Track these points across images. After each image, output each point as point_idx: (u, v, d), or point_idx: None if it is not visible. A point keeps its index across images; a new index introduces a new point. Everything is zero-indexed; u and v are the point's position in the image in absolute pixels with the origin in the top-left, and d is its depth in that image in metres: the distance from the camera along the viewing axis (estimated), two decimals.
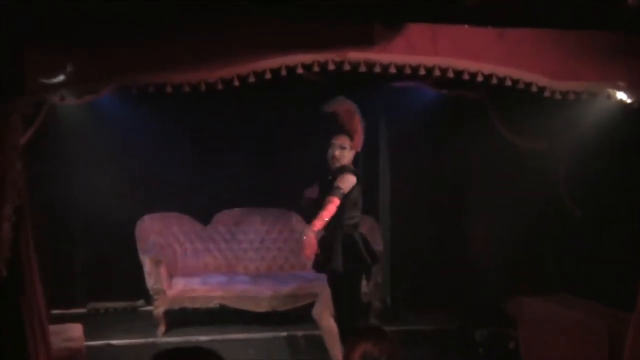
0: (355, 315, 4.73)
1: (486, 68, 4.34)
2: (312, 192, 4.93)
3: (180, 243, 7.43)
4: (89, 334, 5.41)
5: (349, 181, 4.92)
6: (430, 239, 7.61)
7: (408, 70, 4.11)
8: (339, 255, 4.68)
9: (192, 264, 7.39)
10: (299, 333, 6.46)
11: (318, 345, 5.39)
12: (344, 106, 4.93)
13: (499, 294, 6.71)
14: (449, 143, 7.42)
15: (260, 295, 6.81)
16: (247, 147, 7.61)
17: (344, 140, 4.91)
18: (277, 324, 6.74)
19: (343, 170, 4.93)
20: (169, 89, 5.26)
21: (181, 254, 7.40)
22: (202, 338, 6.41)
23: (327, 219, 4.64)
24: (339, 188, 4.80)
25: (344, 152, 4.91)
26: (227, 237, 7.60)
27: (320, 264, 4.78)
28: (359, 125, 4.96)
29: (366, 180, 7.49)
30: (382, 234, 7.40)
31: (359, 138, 4.95)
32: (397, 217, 7.66)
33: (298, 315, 6.56)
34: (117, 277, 7.34)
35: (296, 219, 7.53)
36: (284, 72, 5.44)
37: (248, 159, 7.60)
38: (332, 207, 4.70)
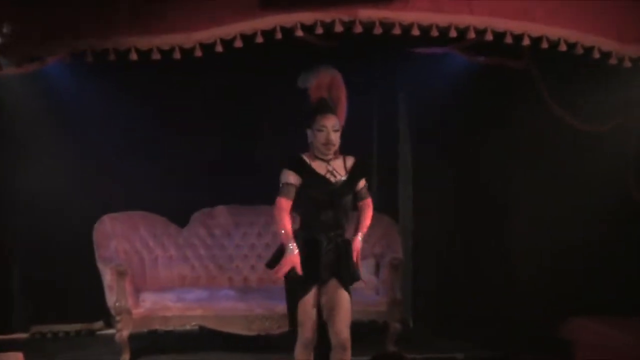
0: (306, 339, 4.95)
1: (534, 29, 4.33)
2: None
3: (150, 249, 7.36)
4: None
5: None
6: (462, 247, 7.59)
7: (435, 33, 4.09)
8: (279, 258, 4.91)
9: (165, 276, 7.33)
10: None
11: None
12: (328, 77, 4.99)
13: (548, 315, 6.73)
14: (485, 126, 7.41)
15: (250, 314, 6.78)
16: (230, 130, 7.63)
17: (334, 120, 4.98)
18: (270, 351, 6.68)
19: (365, 166, 5.17)
20: (133, 57, 5.31)
21: (151, 263, 7.33)
22: None
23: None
24: (365, 187, 5.09)
25: (338, 134, 4.99)
26: (208, 241, 7.54)
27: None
28: (345, 98, 5.04)
29: (381, 174, 7.77)
30: (401, 240, 7.40)
31: (344, 112, 5.04)
32: (420, 219, 7.67)
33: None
34: (69, 294, 7.29)
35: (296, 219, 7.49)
36: (279, 36, 5.46)
37: (232, 145, 7.62)
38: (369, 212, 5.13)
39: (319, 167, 4.96)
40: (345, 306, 4.95)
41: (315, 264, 4.88)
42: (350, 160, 5.05)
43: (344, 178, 4.96)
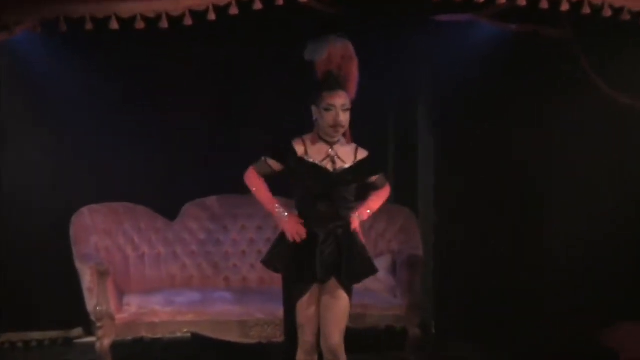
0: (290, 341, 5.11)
1: None
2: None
3: (135, 246, 7.38)
4: None
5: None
6: (491, 243, 7.56)
7: None
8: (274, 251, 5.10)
9: (152, 276, 7.36)
10: None
11: None
12: (339, 49, 5.00)
13: (589, 321, 6.72)
14: (517, 105, 7.40)
15: (248, 319, 6.80)
16: (226, 110, 7.66)
17: (344, 97, 4.98)
18: None
19: (375, 165, 5.21)
20: (114, 25, 5.26)
21: (136, 262, 7.35)
22: None
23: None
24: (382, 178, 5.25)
25: (348, 114, 4.99)
26: (201, 236, 7.57)
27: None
28: (356, 72, 5.06)
29: (399, 161, 7.90)
30: (421, 235, 7.43)
31: (354, 87, 5.06)
32: (443, 211, 7.69)
33: None
34: (43, 297, 7.28)
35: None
36: (279, 1, 5.39)
37: (228, 127, 7.65)
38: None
39: (317, 151, 4.98)
40: (339, 306, 4.98)
41: (311, 260, 4.91)
42: (362, 153, 5.10)
43: (347, 166, 4.99)
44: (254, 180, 5.08)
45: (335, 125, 4.92)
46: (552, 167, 7.41)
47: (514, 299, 7.39)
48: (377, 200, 5.23)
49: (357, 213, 5.09)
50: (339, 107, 4.91)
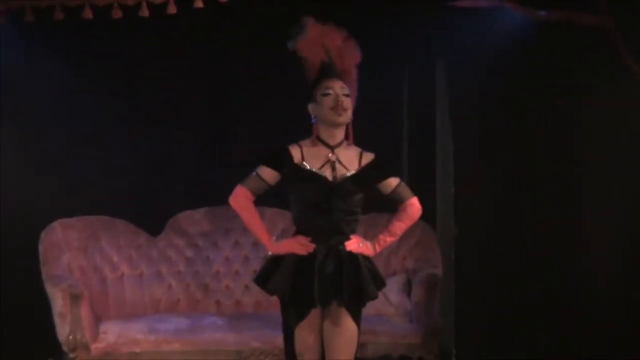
0: None
1: None
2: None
3: (113, 266, 7.40)
4: None
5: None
6: (520, 259, 7.52)
7: None
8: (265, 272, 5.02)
9: (133, 299, 7.39)
10: None
11: None
12: (328, 34, 4.98)
13: (636, 348, 6.72)
14: (548, 101, 7.38)
15: (243, 348, 6.80)
16: (215, 114, 7.73)
17: (342, 83, 4.98)
18: None
19: (385, 166, 5.12)
20: (87, 15, 5.23)
21: (115, 284, 7.37)
22: None
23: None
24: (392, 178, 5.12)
25: (349, 100, 4.97)
26: (188, 254, 7.61)
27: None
28: (355, 69, 5.04)
29: (414, 168, 7.87)
30: (440, 251, 7.46)
31: (354, 88, 5.03)
32: (465, 224, 7.68)
33: None
34: (9, 324, 7.28)
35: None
36: None
37: (217, 132, 7.71)
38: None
39: (315, 157, 4.95)
40: (344, 334, 4.95)
41: (308, 280, 4.88)
42: (367, 157, 5.05)
43: (350, 173, 4.95)
44: (242, 202, 4.99)
45: (336, 106, 4.88)
46: (589, 172, 7.41)
47: (547, 323, 7.38)
48: (407, 220, 5.13)
49: (382, 238, 5.05)
50: (338, 89, 4.90)
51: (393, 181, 5.08)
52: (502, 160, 7.57)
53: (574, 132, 7.39)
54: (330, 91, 4.90)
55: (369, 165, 5.02)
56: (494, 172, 7.59)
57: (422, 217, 7.22)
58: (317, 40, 4.93)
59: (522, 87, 7.39)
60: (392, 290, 7.19)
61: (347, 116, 4.91)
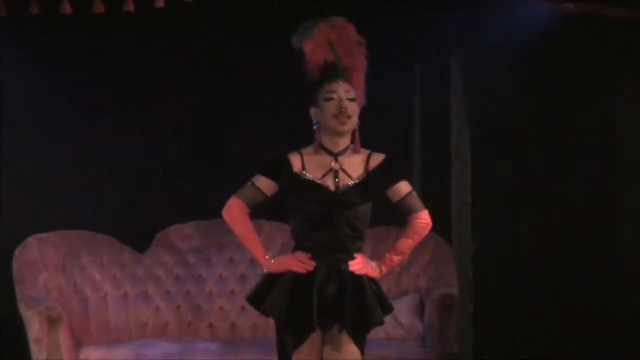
0: None
1: None
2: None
3: (95, 285, 7.39)
4: None
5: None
6: (545, 276, 7.56)
7: None
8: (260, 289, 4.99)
9: (117, 323, 7.38)
10: None
11: None
12: (334, 30, 4.94)
13: None
14: (574, 102, 7.40)
15: None
16: (209, 115, 7.76)
17: (347, 86, 4.92)
18: None
19: (396, 168, 5.03)
20: (66, 10, 5.18)
21: (96, 305, 7.36)
22: None
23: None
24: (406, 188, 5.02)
25: (354, 105, 4.90)
26: (178, 272, 7.61)
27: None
28: (363, 66, 4.98)
29: (427, 175, 7.88)
30: (456, 267, 7.46)
31: (361, 87, 4.97)
32: (483, 237, 7.67)
33: None
34: None
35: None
36: None
37: (209, 137, 7.74)
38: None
39: (317, 166, 4.90)
40: None
41: (307, 302, 4.82)
42: (377, 159, 4.96)
43: (352, 182, 4.88)
44: (236, 214, 4.95)
45: (340, 114, 4.81)
46: (621, 175, 7.46)
47: (576, 347, 7.38)
48: (408, 242, 5.01)
49: (380, 264, 4.95)
50: (342, 93, 4.83)
51: (404, 187, 4.96)
52: (525, 167, 7.61)
53: (604, 133, 7.42)
54: (334, 95, 4.84)
55: (377, 168, 4.94)
56: (516, 180, 7.63)
57: (437, 231, 7.31)
58: (325, 40, 4.90)
59: (546, 86, 7.44)
60: (403, 311, 7.17)
61: (351, 124, 4.85)
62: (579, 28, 6.79)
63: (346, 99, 4.82)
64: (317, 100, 4.87)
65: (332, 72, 4.88)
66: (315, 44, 4.89)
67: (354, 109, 4.83)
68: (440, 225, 7.40)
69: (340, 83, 4.86)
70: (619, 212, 7.44)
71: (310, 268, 4.81)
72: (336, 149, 4.88)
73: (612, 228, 7.52)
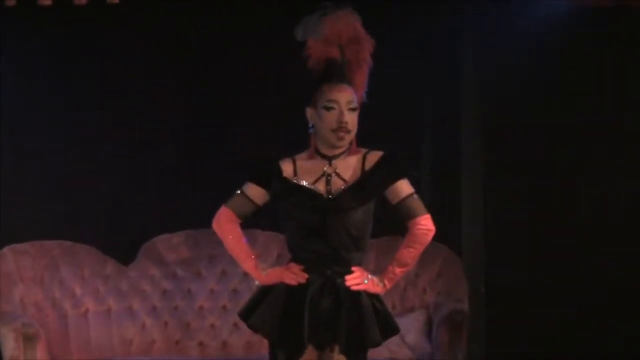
0: None
1: None
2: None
3: (76, 300, 7.34)
4: None
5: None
6: (563, 291, 7.53)
7: None
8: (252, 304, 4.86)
9: (100, 341, 7.33)
10: None
11: None
12: (342, 25, 4.82)
13: None
14: (598, 101, 7.40)
15: None
16: (199, 117, 7.74)
17: (349, 93, 4.77)
18: None
19: (396, 165, 4.84)
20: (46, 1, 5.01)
21: (77, 322, 7.30)
22: None
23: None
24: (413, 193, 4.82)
25: (355, 115, 4.76)
26: (165, 286, 7.54)
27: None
28: (368, 60, 4.85)
29: (436, 181, 7.86)
30: (467, 282, 7.42)
31: (364, 82, 4.85)
32: (497, 249, 7.61)
33: None
34: None
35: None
36: None
37: (202, 139, 7.73)
38: None
39: (310, 171, 4.76)
40: None
41: (299, 317, 4.67)
42: (374, 157, 4.78)
43: (346, 185, 4.73)
44: (225, 225, 4.84)
45: (339, 129, 4.65)
46: None
47: None
48: (410, 251, 4.83)
49: (383, 279, 4.77)
50: (344, 103, 4.66)
51: (404, 187, 4.72)
52: (543, 172, 7.63)
53: (630, 137, 7.46)
54: (334, 105, 4.67)
55: (374, 167, 4.77)
56: (533, 187, 7.64)
57: (446, 242, 7.38)
58: (334, 37, 4.74)
59: (567, 85, 7.46)
60: (409, 329, 7.10)
61: (350, 137, 4.72)
62: (603, 21, 6.82)
63: (347, 109, 4.67)
64: (316, 103, 4.73)
65: (335, 72, 4.74)
66: (323, 41, 4.75)
67: (354, 122, 4.70)
68: (450, 235, 7.41)
69: (343, 89, 4.71)
70: None
71: (303, 280, 4.66)
72: (331, 153, 4.75)
73: (629, 235, 7.50)
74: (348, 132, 4.66)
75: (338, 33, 4.75)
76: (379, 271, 4.76)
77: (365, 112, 4.76)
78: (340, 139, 4.67)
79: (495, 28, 7.27)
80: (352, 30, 4.76)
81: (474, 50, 7.61)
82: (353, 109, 4.68)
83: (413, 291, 7.44)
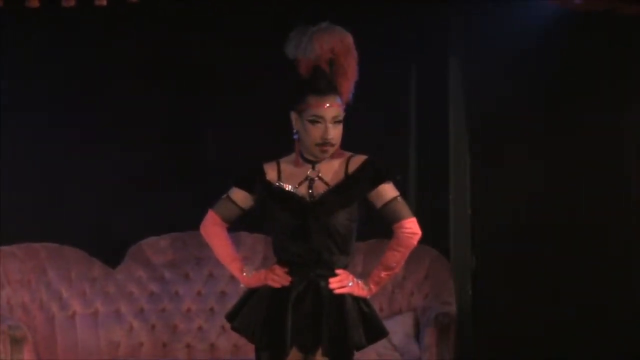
0: None
1: None
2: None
3: (63, 302, 7.37)
4: None
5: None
6: (551, 294, 7.53)
7: None
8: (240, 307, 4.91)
9: (87, 343, 7.36)
10: None
11: None
12: (333, 40, 4.83)
13: None
14: (586, 105, 7.44)
15: None
16: (186, 119, 7.79)
17: (337, 106, 4.80)
18: None
19: (379, 170, 4.88)
20: (34, 2, 5.07)
21: (64, 324, 7.34)
22: None
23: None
24: (397, 198, 4.84)
25: (340, 128, 4.81)
26: (153, 288, 7.58)
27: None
28: (355, 68, 4.87)
29: (423, 184, 7.94)
30: (455, 284, 7.44)
31: (350, 86, 4.86)
32: (484, 252, 7.63)
33: None
34: None
35: None
36: None
37: (190, 141, 7.80)
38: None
39: (293, 175, 4.81)
40: None
41: (281, 322, 4.71)
42: (357, 161, 4.82)
43: (328, 188, 4.77)
44: (211, 229, 4.92)
45: (324, 144, 4.71)
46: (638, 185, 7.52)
47: None
48: (395, 254, 4.84)
49: (369, 282, 4.81)
50: (329, 118, 4.71)
51: (388, 190, 4.77)
52: (530, 175, 7.62)
53: (618, 139, 7.45)
54: (320, 120, 4.72)
55: (358, 170, 4.79)
56: (520, 189, 7.62)
57: (434, 245, 7.47)
58: (326, 55, 4.77)
59: (554, 88, 7.45)
60: (397, 332, 7.13)
61: (333, 149, 4.77)
62: (590, 25, 6.83)
63: (332, 123, 4.71)
64: (301, 113, 4.76)
65: (322, 81, 4.76)
66: (317, 57, 4.77)
67: (338, 135, 4.75)
68: (437, 238, 7.54)
69: (329, 100, 4.73)
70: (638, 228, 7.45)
71: (286, 283, 4.71)
72: (315, 158, 4.81)
73: (624, 238, 7.51)
74: (332, 145, 4.72)
75: (330, 50, 4.76)
76: (366, 274, 4.76)
77: (351, 113, 4.76)
78: (324, 152, 4.73)
79: (482, 29, 7.29)
80: (344, 46, 4.78)
81: (461, 54, 7.59)
82: (338, 122, 4.72)
83: (401, 294, 7.46)
